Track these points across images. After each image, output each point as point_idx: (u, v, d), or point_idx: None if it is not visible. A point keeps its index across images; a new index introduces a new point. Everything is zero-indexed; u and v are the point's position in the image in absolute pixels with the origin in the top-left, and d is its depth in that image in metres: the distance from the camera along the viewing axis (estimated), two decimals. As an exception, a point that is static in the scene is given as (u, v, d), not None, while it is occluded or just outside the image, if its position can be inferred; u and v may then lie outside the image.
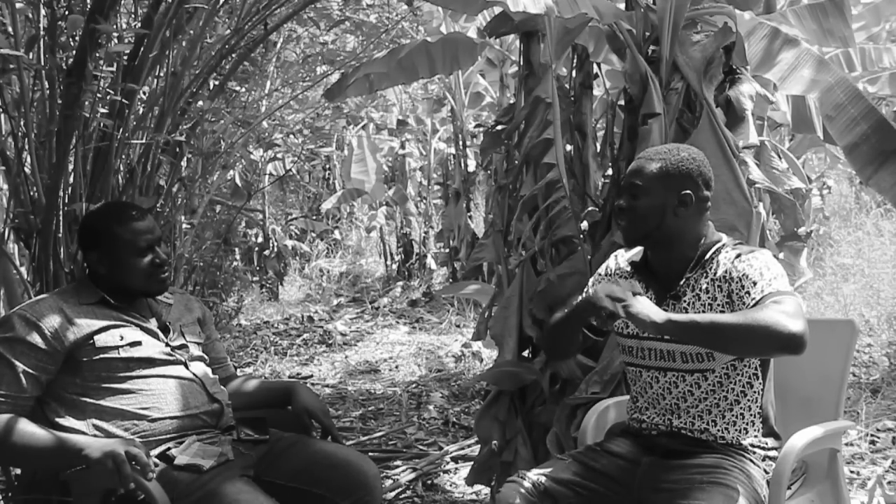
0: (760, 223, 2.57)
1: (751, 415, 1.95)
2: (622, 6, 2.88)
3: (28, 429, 1.90)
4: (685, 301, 1.93)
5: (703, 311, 1.90)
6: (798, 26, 3.15)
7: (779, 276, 1.85)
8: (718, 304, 1.89)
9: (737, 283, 1.86)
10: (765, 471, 1.92)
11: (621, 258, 2.12)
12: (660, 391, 1.98)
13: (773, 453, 1.95)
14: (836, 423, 2.14)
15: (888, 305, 5.99)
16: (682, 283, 1.94)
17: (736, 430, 1.93)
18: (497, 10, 2.84)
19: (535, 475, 1.94)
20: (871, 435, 3.84)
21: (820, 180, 8.58)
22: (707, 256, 1.94)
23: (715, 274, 1.91)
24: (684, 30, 2.74)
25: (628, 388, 2.13)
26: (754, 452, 1.93)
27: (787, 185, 4.18)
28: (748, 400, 1.94)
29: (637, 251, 2.08)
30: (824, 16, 3.16)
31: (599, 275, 2.15)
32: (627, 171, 1.99)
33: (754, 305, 1.79)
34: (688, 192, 1.91)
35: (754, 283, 1.82)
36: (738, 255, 1.90)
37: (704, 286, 1.92)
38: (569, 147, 3.05)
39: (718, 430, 1.93)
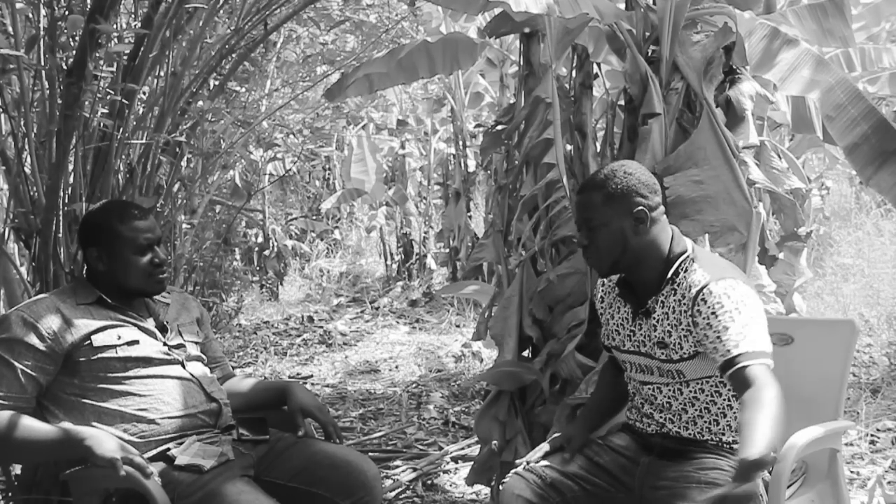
0: (760, 223, 2.57)
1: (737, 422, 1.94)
2: (622, 6, 2.87)
3: (28, 423, 1.90)
4: (654, 318, 1.95)
5: (669, 330, 1.91)
6: (798, 26, 3.14)
7: (750, 321, 1.81)
8: (683, 328, 1.89)
9: (704, 318, 1.83)
10: (764, 471, 1.92)
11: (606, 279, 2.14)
12: (645, 397, 2.02)
13: (772, 453, 1.95)
14: (836, 423, 2.14)
15: (888, 305, 5.99)
16: (651, 300, 1.95)
17: (727, 437, 1.93)
18: (497, 9, 2.83)
19: (542, 468, 1.96)
20: (871, 435, 3.84)
21: (819, 181, 8.57)
22: (674, 271, 1.93)
23: (683, 294, 1.89)
24: (684, 30, 2.73)
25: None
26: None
27: (787, 185, 4.17)
28: (735, 410, 1.93)
29: None
30: (824, 16, 3.15)
31: (597, 298, 2.16)
32: (574, 207, 1.99)
33: (728, 364, 1.77)
34: (639, 207, 1.89)
35: (726, 329, 1.79)
36: (706, 285, 1.85)
37: (672, 305, 1.92)
38: (569, 147, 3.05)
39: (713, 436, 1.93)
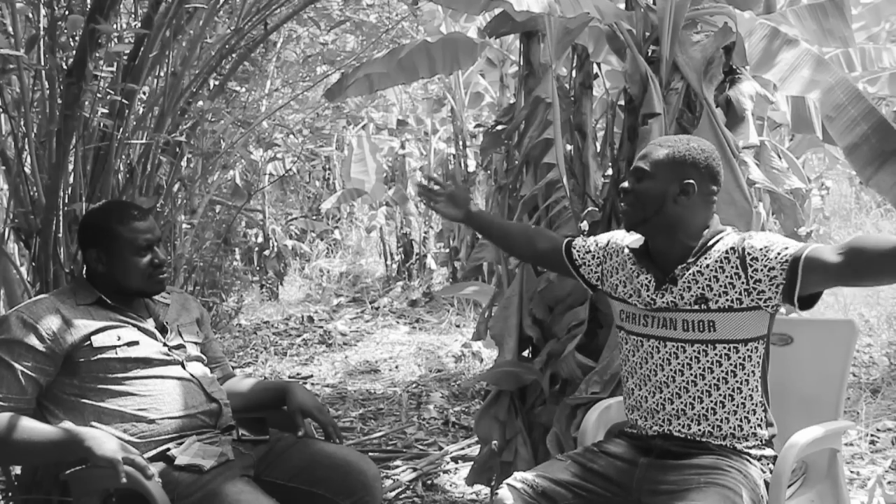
0: (760, 223, 2.57)
1: (751, 405, 1.93)
2: (622, 6, 2.88)
3: (28, 424, 1.90)
4: (682, 284, 1.93)
5: (705, 289, 1.90)
6: (798, 26, 3.14)
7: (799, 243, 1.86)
8: (726, 276, 1.88)
9: (759, 251, 1.84)
10: (762, 470, 1.92)
11: (622, 239, 2.13)
12: (658, 362, 1.96)
13: (768, 451, 1.95)
14: (836, 423, 2.14)
15: (888, 305, 6.00)
16: (681, 266, 1.94)
17: (734, 421, 1.91)
18: (498, 9, 2.83)
19: (533, 476, 1.94)
20: (871, 435, 3.84)
21: (819, 181, 8.58)
22: (710, 244, 1.93)
23: (720, 252, 1.90)
24: (684, 30, 2.74)
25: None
26: (750, 453, 1.92)
27: (787, 185, 4.18)
28: (749, 390, 1.92)
29: (639, 236, 2.07)
30: (824, 16, 3.16)
31: (607, 242, 2.16)
32: (638, 155, 2.01)
33: (797, 255, 1.78)
34: (690, 181, 1.91)
35: (786, 247, 1.82)
36: (749, 234, 1.91)
37: (706, 264, 1.91)
38: (569, 147, 3.05)
39: (718, 418, 1.91)
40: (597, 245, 2.19)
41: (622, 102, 2.91)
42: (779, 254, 1.82)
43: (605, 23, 2.72)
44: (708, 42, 2.69)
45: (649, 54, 2.79)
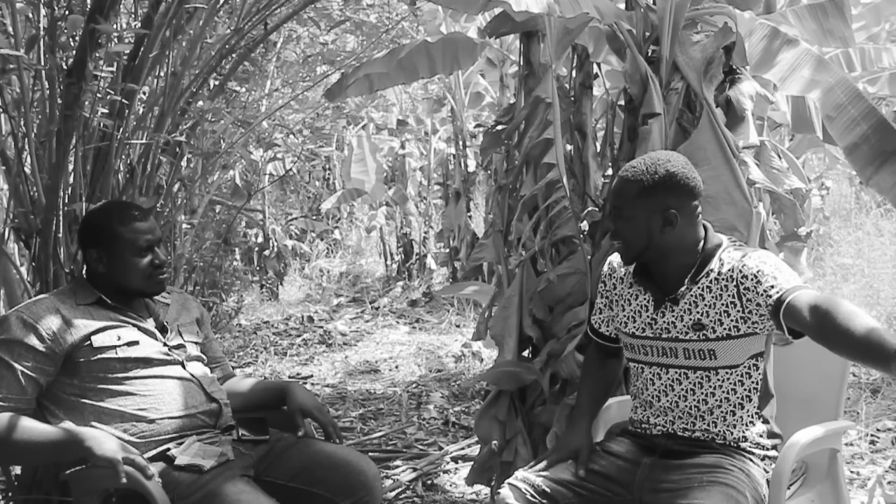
0: (760, 223, 2.57)
1: (750, 416, 1.95)
2: (622, 6, 2.87)
3: (28, 424, 1.90)
4: (684, 303, 1.93)
5: (706, 311, 1.90)
6: (798, 26, 3.14)
7: (792, 274, 1.84)
8: (723, 303, 1.88)
9: (751, 279, 1.83)
10: (765, 470, 1.92)
11: (615, 261, 2.12)
12: (661, 388, 1.98)
13: (772, 453, 1.95)
14: (836, 423, 2.14)
15: (888, 305, 5.99)
16: (682, 288, 1.93)
17: (738, 431, 1.93)
18: (497, 9, 2.83)
19: (535, 476, 1.94)
20: (871, 435, 3.84)
21: (819, 181, 8.57)
22: (710, 263, 1.92)
23: (718, 273, 1.90)
24: (684, 30, 2.73)
25: (629, 388, 2.13)
26: (754, 453, 1.93)
27: (787, 185, 4.18)
28: (752, 404, 1.94)
29: None
30: (824, 16, 3.15)
31: (603, 281, 2.16)
32: (611, 190, 1.96)
33: (779, 303, 1.77)
34: (671, 210, 1.87)
35: (774, 281, 1.80)
36: (744, 255, 1.88)
37: (706, 285, 1.91)
38: (569, 147, 3.05)
39: (719, 431, 1.93)
40: (600, 295, 2.16)
41: (622, 102, 2.90)
42: (766, 290, 1.81)
43: (605, 23, 2.71)
44: (708, 42, 2.69)
45: (649, 54, 2.79)
